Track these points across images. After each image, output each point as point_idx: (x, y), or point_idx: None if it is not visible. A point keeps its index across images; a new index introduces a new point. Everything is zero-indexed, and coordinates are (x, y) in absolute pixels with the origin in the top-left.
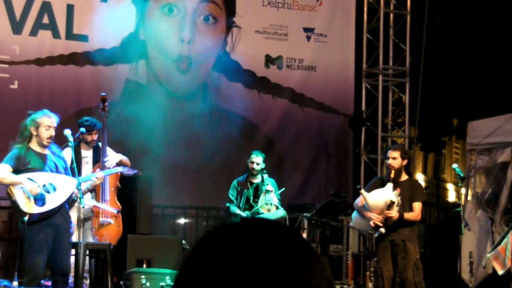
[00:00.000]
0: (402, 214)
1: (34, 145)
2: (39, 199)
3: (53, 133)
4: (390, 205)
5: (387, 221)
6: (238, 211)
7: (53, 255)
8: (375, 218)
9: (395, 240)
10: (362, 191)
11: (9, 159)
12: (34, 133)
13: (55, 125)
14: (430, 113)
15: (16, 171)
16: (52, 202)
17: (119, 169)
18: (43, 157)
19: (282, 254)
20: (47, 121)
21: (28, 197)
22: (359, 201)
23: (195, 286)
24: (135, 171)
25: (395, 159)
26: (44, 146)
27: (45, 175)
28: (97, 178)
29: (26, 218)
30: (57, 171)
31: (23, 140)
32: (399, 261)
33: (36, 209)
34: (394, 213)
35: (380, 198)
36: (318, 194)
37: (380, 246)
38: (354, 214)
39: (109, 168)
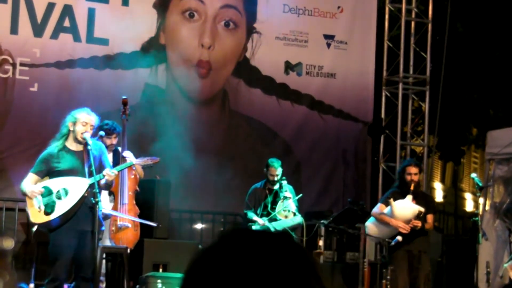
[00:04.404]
0: (423, 224)
1: (70, 143)
2: (49, 207)
3: (89, 130)
4: (418, 215)
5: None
6: (255, 218)
7: (76, 259)
8: (403, 226)
9: (413, 250)
10: (391, 200)
11: (36, 165)
12: (71, 129)
13: (93, 123)
14: (449, 122)
15: (48, 173)
16: (62, 207)
17: (131, 162)
18: (78, 155)
19: (282, 270)
20: (85, 117)
21: (39, 207)
22: (378, 209)
23: None
24: (155, 158)
25: (416, 174)
26: (79, 143)
27: (61, 180)
28: (108, 175)
29: (34, 229)
30: (83, 170)
31: (61, 137)
32: (414, 271)
33: (44, 218)
34: (420, 223)
35: (408, 208)
36: (336, 201)
37: (397, 255)
38: (371, 221)
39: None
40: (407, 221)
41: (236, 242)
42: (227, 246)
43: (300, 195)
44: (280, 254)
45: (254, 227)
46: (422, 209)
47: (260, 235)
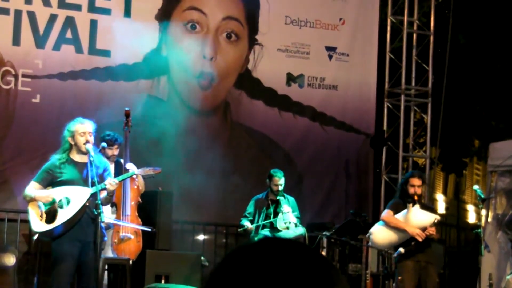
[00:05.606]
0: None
1: (74, 155)
2: (51, 216)
3: (89, 138)
4: (433, 224)
5: (412, 239)
6: (246, 223)
7: (78, 270)
8: (420, 233)
9: (421, 262)
10: (411, 205)
11: (38, 175)
12: (72, 142)
13: (90, 130)
14: (451, 133)
15: (51, 183)
16: (63, 216)
17: (133, 172)
18: (81, 166)
19: (304, 278)
20: (81, 127)
21: (41, 215)
22: (388, 214)
23: None
24: (157, 168)
25: (419, 186)
26: (84, 154)
27: (63, 189)
28: (110, 184)
29: (35, 237)
30: (85, 181)
31: (63, 152)
32: (422, 283)
33: (45, 227)
34: (435, 232)
35: (426, 215)
36: (338, 213)
37: (405, 265)
38: (380, 225)
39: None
40: (423, 229)
41: (263, 250)
42: (252, 254)
43: (298, 221)
44: (306, 266)
45: (256, 238)
46: (439, 217)
47: (289, 245)
